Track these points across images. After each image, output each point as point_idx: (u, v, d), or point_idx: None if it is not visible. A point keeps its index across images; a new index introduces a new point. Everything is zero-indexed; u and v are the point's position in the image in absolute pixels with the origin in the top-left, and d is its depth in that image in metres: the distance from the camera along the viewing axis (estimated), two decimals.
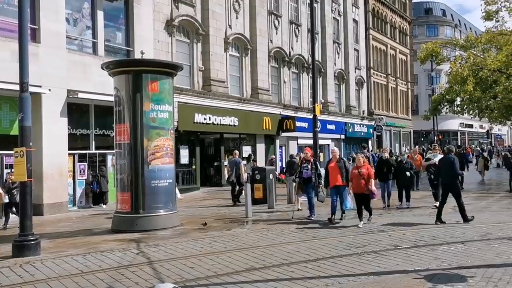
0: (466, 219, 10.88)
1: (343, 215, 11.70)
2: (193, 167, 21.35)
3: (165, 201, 11.50)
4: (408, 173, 13.90)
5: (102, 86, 15.24)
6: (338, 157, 11.67)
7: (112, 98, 12.04)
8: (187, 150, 20.70)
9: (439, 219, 10.87)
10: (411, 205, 13.84)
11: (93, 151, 16.75)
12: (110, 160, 16.51)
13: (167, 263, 7.84)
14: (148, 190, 11.21)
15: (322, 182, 11.94)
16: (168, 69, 12.24)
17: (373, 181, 10.81)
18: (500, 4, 23.82)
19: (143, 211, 11.15)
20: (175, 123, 15.93)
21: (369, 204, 11.08)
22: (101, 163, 16.91)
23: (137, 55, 14.22)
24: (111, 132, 14.91)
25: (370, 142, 38.98)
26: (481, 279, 6.41)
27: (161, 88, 11.65)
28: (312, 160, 12.16)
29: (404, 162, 14.32)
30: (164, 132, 11.63)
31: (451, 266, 7.13)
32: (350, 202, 11.54)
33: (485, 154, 29.34)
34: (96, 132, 16.81)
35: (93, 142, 16.76)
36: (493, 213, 12.72)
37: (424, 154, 29.33)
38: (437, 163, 12.60)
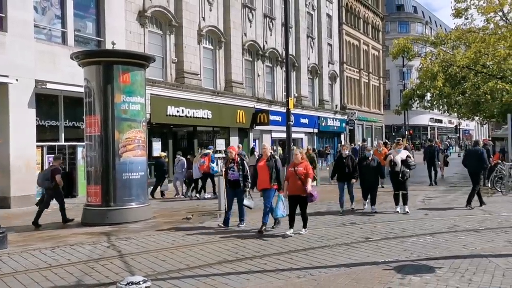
0: (482, 203, 12.71)
1: (276, 223, 9.94)
2: (166, 160, 21.13)
3: (137, 194, 11.36)
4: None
5: (71, 77, 14.92)
6: (269, 154, 9.87)
7: (82, 89, 11.79)
8: (159, 143, 20.48)
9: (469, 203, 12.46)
10: (377, 209, 11.93)
11: (62, 143, 16.39)
12: (80, 152, 16.19)
13: (138, 256, 7.75)
14: (120, 183, 11.06)
15: (249, 184, 10.03)
16: (140, 60, 12.06)
17: (310, 181, 9.10)
18: (469, 2, 24.33)
19: (114, 204, 11.00)
20: (148, 116, 15.72)
21: (305, 209, 9.28)
22: (71, 155, 16.58)
23: (108, 46, 13.98)
24: (81, 124, 14.60)
25: (342, 136, 39.43)
26: (448, 269, 6.57)
27: (133, 80, 11.47)
28: (238, 159, 10.10)
29: (369, 158, 12.06)
30: (136, 124, 11.47)
31: (420, 258, 7.28)
32: (282, 209, 9.39)
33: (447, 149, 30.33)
34: (65, 123, 16.45)
35: (63, 134, 16.40)
36: (461, 206, 13.02)
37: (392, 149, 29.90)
38: (396, 160, 11.69)
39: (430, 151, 19.93)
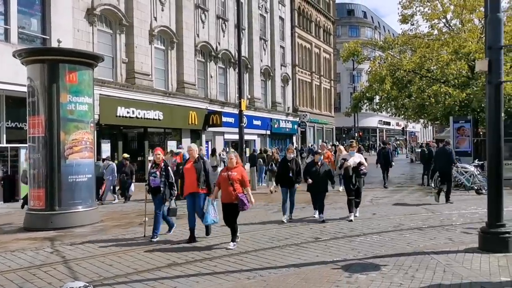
0: (448, 201, 13.44)
1: (208, 232, 9.17)
2: (115, 162, 20.65)
3: (84, 197, 11.04)
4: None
5: (14, 75, 14.30)
6: (196, 155, 8.92)
7: (25, 89, 11.32)
8: (109, 145, 19.99)
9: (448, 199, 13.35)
10: (325, 217, 10.83)
11: (4, 144, 15.68)
12: (23, 154, 15.53)
13: (84, 261, 7.51)
14: (65, 186, 10.70)
15: (175, 192, 9.18)
16: (87, 59, 11.72)
17: (250, 191, 8.35)
18: (415, 9, 25.28)
19: (59, 208, 10.63)
20: (96, 116, 15.33)
21: (235, 218, 8.38)
22: (13, 158, 15.88)
23: (54, 44, 13.47)
24: (25, 125, 14.03)
25: (294, 138, 39.91)
26: (393, 267, 6.77)
27: (80, 79, 11.14)
28: (162, 164, 9.08)
29: (318, 163, 11.00)
30: (83, 125, 11.14)
31: (367, 256, 7.47)
32: (212, 215, 8.49)
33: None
34: (7, 124, 15.75)
35: (4, 135, 15.68)
36: (406, 205, 13.49)
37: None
38: (350, 165, 10.88)
39: (384, 153, 19.62)
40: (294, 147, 26.91)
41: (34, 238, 9.48)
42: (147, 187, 9.27)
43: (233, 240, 8.29)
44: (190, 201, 8.85)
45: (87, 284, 3.47)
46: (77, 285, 3.46)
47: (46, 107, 10.77)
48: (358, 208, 11.30)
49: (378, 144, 52.58)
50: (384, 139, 64.46)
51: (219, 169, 16.62)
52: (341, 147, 16.25)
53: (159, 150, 9.34)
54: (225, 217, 8.43)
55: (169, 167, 9.20)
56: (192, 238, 8.76)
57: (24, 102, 11.63)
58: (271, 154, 20.39)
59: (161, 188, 8.96)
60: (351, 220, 10.59)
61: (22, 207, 13.32)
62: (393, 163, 20.23)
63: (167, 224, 9.56)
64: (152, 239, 8.89)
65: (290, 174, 10.82)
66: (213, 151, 22.07)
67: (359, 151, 13.22)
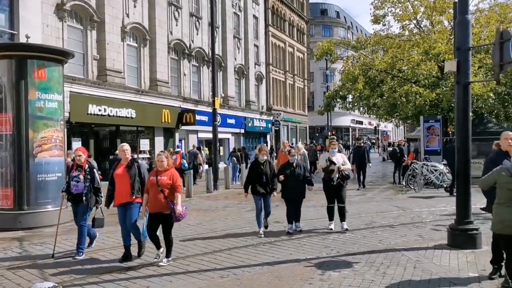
0: (452, 194, 13.86)
1: (142, 248, 7.63)
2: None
3: (54, 196, 10.75)
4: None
5: None
6: (129, 157, 7.56)
7: None
8: (79, 143, 19.58)
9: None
10: (302, 227, 9.66)
11: None
12: None
13: (54, 261, 7.35)
14: (34, 185, 10.47)
15: (101, 199, 7.76)
16: (57, 55, 11.46)
17: (179, 197, 7.09)
18: (387, 9, 25.65)
19: (28, 207, 10.39)
20: (67, 114, 14.99)
21: (169, 230, 7.12)
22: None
23: (22, 39, 13.16)
24: None
25: (268, 136, 40.01)
26: (365, 264, 6.87)
27: (49, 76, 10.89)
28: (86, 166, 7.69)
29: (293, 164, 9.48)
30: (53, 123, 10.90)
31: (339, 254, 7.56)
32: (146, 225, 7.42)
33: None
34: None
35: None
36: (378, 203, 13.70)
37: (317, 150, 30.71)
38: (339, 167, 9.39)
39: (359, 152, 18.16)
40: (269, 146, 26.68)
41: (2, 238, 9.23)
42: (65, 193, 7.84)
43: (167, 256, 7.13)
44: (122, 213, 7.44)
45: (56, 285, 3.40)
46: (46, 285, 3.38)
47: (14, 104, 10.50)
48: (345, 222, 9.53)
49: (353, 143, 53.02)
50: (357, 137, 65.31)
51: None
52: (300, 146, 15.23)
53: (80, 151, 7.83)
54: (151, 230, 7.12)
55: (94, 170, 7.82)
56: (126, 257, 7.36)
57: None
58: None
59: (84, 195, 7.53)
60: (331, 229, 9.41)
61: None
62: (370, 164, 18.82)
63: (88, 236, 8.09)
64: (76, 257, 7.49)
65: (264, 180, 9.04)
66: (234, 150, 23.41)
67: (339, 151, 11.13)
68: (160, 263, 7.05)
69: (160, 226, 7.16)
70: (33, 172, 10.46)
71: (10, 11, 16.61)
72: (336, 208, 9.65)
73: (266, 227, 9.46)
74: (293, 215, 9.48)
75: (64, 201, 8.04)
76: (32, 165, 10.49)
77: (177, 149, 18.81)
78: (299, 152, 14.07)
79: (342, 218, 9.50)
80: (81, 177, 7.63)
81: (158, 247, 7.29)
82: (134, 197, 7.36)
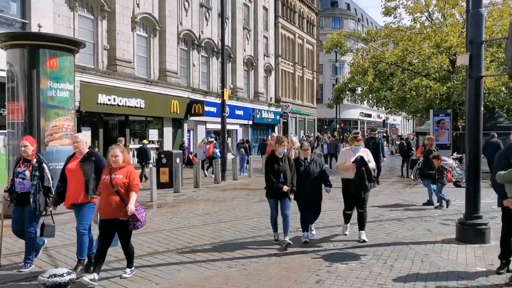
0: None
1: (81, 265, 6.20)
2: (96, 149, 20.46)
3: None
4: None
5: None
6: (86, 150, 6.38)
7: (4, 74, 11.09)
8: (89, 132, 19.74)
9: None
10: (316, 233, 8.39)
11: None
12: (1, 140, 15.25)
13: (64, 248, 7.47)
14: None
15: (53, 201, 6.38)
16: (69, 45, 11.50)
17: (134, 197, 5.83)
18: (398, 2, 25.44)
19: (39, 195, 10.46)
20: (77, 103, 15.11)
21: (128, 239, 6.01)
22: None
23: (34, 28, 13.22)
24: (3, 111, 13.74)
25: (276, 128, 40.00)
26: (372, 256, 6.89)
27: (61, 65, 10.95)
28: (35, 160, 6.41)
29: (307, 160, 7.98)
30: (64, 112, 10.98)
31: (347, 246, 7.58)
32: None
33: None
34: None
35: None
36: (386, 196, 13.68)
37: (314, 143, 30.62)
38: (373, 165, 8.07)
39: (374, 144, 15.99)
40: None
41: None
42: (7, 194, 6.52)
43: (129, 265, 6.12)
44: (77, 214, 6.27)
45: (70, 271, 3.46)
46: (60, 271, 3.44)
47: (26, 93, 10.58)
48: (364, 231, 7.98)
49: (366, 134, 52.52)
50: (371, 128, 64.89)
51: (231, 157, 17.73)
52: (294, 139, 14.39)
53: (27, 140, 6.46)
54: (103, 239, 5.83)
55: (44, 165, 6.43)
56: (77, 267, 6.14)
57: (2, 87, 11.40)
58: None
59: (32, 196, 6.24)
60: (345, 234, 8.28)
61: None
62: (384, 158, 17.29)
63: (25, 256, 6.51)
64: (22, 270, 6.24)
65: (282, 179, 7.53)
66: (242, 141, 24.70)
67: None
68: (124, 275, 6.01)
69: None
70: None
71: (22, 0, 16.69)
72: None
73: (286, 244, 7.37)
74: (308, 220, 7.96)
75: (6, 202, 6.65)
76: (44, 154, 10.54)
77: (210, 139, 20.23)
78: (293, 147, 13.83)
79: (361, 226, 7.97)
80: (28, 173, 6.31)
81: (97, 269, 5.73)
82: (89, 198, 6.11)
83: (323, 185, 8.03)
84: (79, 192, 6.14)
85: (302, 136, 41.03)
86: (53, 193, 6.43)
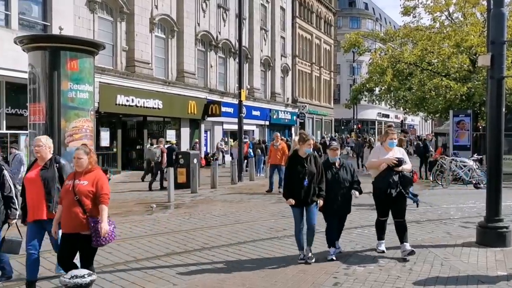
0: None
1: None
2: (114, 150, 20.70)
3: None
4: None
5: (15, 62, 14.22)
6: (49, 155, 5.67)
7: (26, 75, 11.27)
8: (108, 133, 19.99)
9: None
10: (342, 248, 7.31)
11: (4, 131, 15.68)
12: (23, 140, 15.55)
13: None
14: (65, 173, 10.68)
15: (16, 212, 5.70)
16: (89, 47, 11.58)
17: (105, 212, 4.89)
18: (418, 1, 25.19)
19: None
20: (96, 104, 15.30)
21: (91, 258, 5.04)
22: (13, 144, 15.88)
23: (55, 31, 13.45)
24: (25, 111, 14.02)
25: (293, 129, 39.92)
26: (390, 259, 6.82)
27: (81, 67, 11.05)
28: None
29: (335, 164, 6.93)
30: (84, 113, 11.08)
31: (364, 248, 7.52)
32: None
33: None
34: (7, 111, 15.74)
35: (4, 121, 15.68)
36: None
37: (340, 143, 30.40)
38: (409, 167, 7.05)
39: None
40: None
41: None
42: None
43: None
44: (32, 232, 5.36)
45: (91, 272, 3.50)
46: (82, 272, 3.49)
47: (47, 94, 10.72)
48: (407, 243, 6.93)
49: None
50: (402, 128, 64.15)
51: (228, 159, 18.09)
52: (296, 139, 14.37)
53: None
54: (63, 258, 4.95)
55: (5, 172, 5.66)
56: None
57: (24, 88, 11.58)
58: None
59: None
60: (382, 251, 7.10)
61: None
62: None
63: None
64: None
65: (306, 183, 6.51)
66: (259, 141, 25.24)
67: (369, 145, 8.28)
68: None
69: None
70: None
71: (44, 3, 16.98)
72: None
73: (308, 258, 6.64)
74: (335, 234, 7.03)
75: None
76: (64, 154, 10.71)
77: (244, 140, 20.74)
78: (295, 147, 13.80)
79: (403, 237, 6.90)
80: None
81: None
82: (52, 212, 5.30)
83: (353, 192, 6.95)
84: (39, 206, 5.29)
85: (330, 135, 40.84)
86: (17, 203, 5.65)
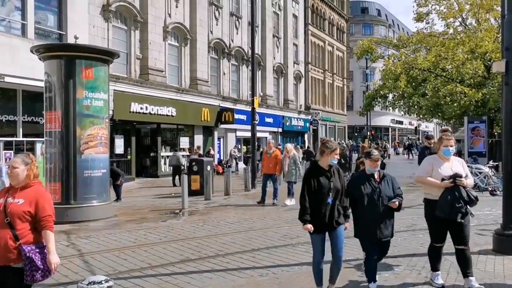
0: None
1: None
2: (128, 157, 20.86)
3: (99, 191, 11.17)
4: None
5: (31, 71, 14.48)
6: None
7: (42, 84, 11.48)
8: (122, 140, 20.16)
9: None
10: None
11: (20, 138, 15.90)
12: (39, 148, 15.75)
13: (99, 255, 7.62)
14: (81, 180, 10.84)
15: None
16: (104, 56, 11.83)
17: (52, 240, 3.84)
18: (431, 7, 25.11)
19: (75, 202, 10.78)
20: (111, 112, 15.46)
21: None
22: (29, 152, 16.09)
23: (70, 40, 13.65)
24: (41, 119, 14.23)
25: (306, 136, 39.86)
26: (406, 267, 6.76)
27: (96, 75, 11.25)
28: None
29: (374, 176, 5.57)
30: (99, 120, 11.27)
31: None
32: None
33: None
34: (24, 118, 15.97)
35: (21, 129, 15.91)
36: (420, 205, 13.39)
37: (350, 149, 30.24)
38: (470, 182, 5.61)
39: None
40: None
41: None
42: None
43: None
44: None
45: (108, 278, 3.53)
46: (99, 279, 3.51)
47: (62, 102, 10.92)
48: (473, 277, 5.62)
49: (417, 143, 50.94)
50: (396, 138, 63.69)
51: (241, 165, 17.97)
52: (290, 147, 13.93)
53: None
54: None
55: None
56: None
57: (40, 97, 11.80)
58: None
59: None
60: (442, 286, 5.78)
61: None
62: None
63: None
64: None
65: (330, 201, 5.15)
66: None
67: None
68: None
69: None
70: (80, 168, 10.85)
71: (59, 12, 17.26)
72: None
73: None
74: (375, 263, 5.64)
75: None
76: (79, 161, 10.88)
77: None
78: (288, 155, 13.38)
79: (467, 269, 5.62)
80: None
81: None
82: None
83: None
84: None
85: (347, 142, 40.44)
86: None
